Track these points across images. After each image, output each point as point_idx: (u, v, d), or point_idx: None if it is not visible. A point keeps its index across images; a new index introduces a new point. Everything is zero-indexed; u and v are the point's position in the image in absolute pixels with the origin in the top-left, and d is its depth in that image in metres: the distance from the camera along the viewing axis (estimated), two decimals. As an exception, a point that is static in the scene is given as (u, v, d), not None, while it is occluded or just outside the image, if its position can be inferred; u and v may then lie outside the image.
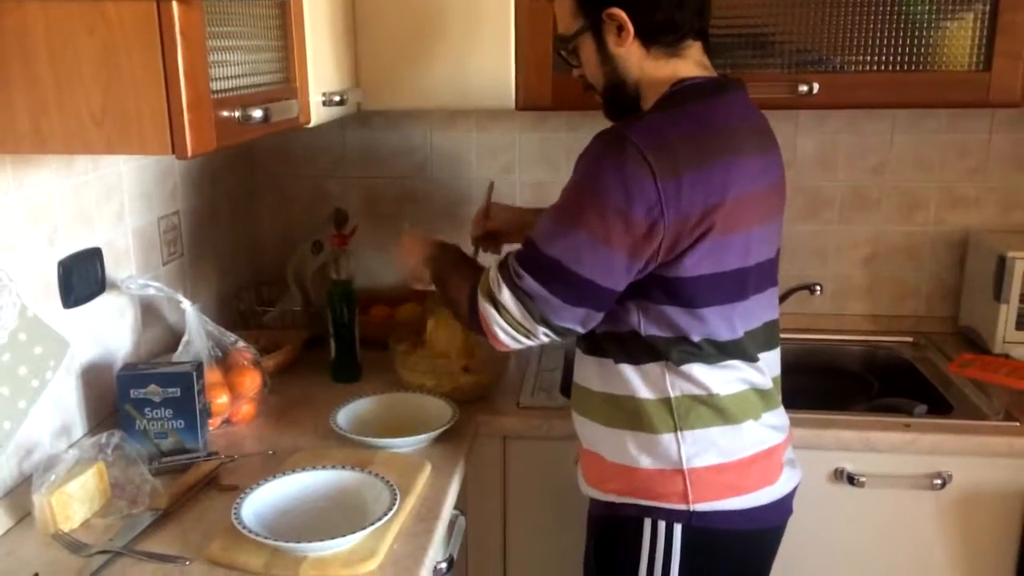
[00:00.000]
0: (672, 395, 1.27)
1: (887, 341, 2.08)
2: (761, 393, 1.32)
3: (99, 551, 1.19)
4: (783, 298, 2.01)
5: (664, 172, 1.16)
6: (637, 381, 1.28)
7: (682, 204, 1.17)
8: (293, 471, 1.34)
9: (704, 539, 1.29)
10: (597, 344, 1.32)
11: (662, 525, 1.29)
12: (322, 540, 1.15)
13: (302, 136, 2.17)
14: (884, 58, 1.72)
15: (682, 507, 1.28)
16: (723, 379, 1.27)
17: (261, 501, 1.26)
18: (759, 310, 1.32)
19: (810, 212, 2.13)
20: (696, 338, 1.25)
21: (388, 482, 1.29)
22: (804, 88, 1.71)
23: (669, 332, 1.25)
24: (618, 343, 1.29)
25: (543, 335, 1.27)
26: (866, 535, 1.67)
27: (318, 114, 1.50)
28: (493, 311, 1.27)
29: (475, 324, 1.32)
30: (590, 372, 1.35)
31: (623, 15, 1.25)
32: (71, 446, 1.39)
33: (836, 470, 1.63)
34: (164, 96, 1.04)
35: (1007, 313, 1.90)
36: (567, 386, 1.81)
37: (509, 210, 1.73)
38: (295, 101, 1.39)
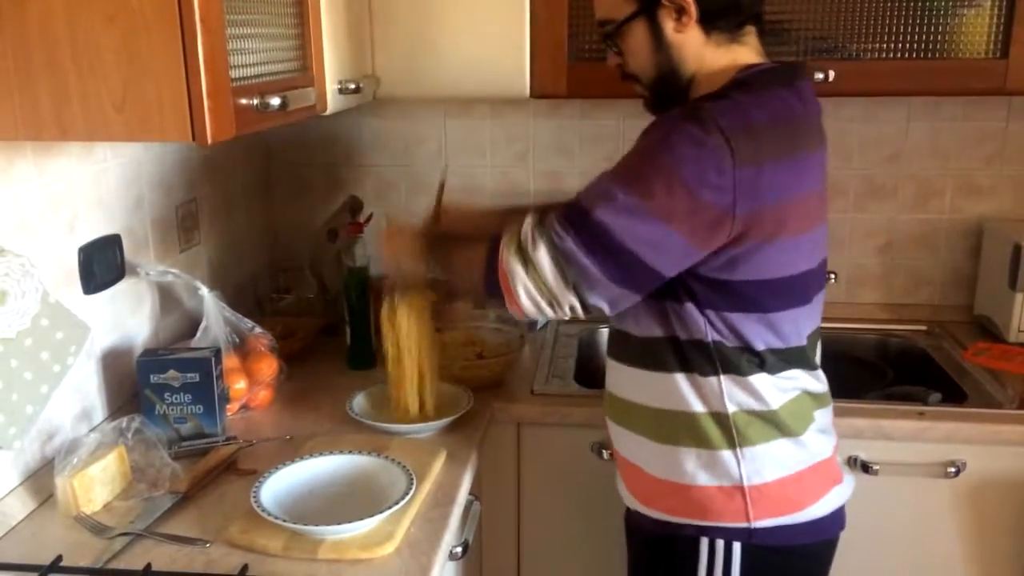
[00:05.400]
0: (729, 410, 1.20)
1: (901, 330, 2.08)
2: (813, 395, 1.27)
3: (120, 533, 1.21)
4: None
5: (745, 158, 1.08)
6: (692, 394, 1.21)
7: (758, 195, 1.09)
8: (310, 456, 1.35)
9: (765, 556, 1.23)
10: (645, 354, 1.24)
11: (720, 544, 1.23)
12: (340, 524, 1.17)
13: (318, 124, 2.18)
14: (900, 45, 1.71)
15: (742, 525, 1.22)
16: (781, 388, 1.22)
17: (279, 485, 1.28)
18: (817, 312, 1.28)
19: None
20: (760, 347, 1.19)
21: (404, 467, 1.31)
22: (820, 75, 1.70)
23: (736, 341, 1.18)
24: (677, 352, 1.21)
25: (568, 308, 1.17)
26: (879, 523, 1.67)
27: (334, 102, 1.51)
28: (520, 269, 1.16)
29: (491, 284, 1.19)
30: (633, 384, 1.27)
31: None
32: (92, 430, 1.41)
33: (850, 458, 1.64)
34: (184, 83, 1.05)
35: (1022, 302, 1.90)
36: (581, 373, 1.82)
37: (463, 212, 1.56)
38: (312, 89, 1.40)
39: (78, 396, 1.43)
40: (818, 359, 1.32)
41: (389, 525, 1.20)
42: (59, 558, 1.13)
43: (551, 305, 1.17)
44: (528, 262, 1.16)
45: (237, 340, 1.62)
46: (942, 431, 1.60)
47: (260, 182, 2.19)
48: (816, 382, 1.28)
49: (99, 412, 1.49)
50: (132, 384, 1.51)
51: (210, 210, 1.88)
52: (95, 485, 1.28)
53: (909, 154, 2.08)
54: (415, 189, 2.23)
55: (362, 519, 1.18)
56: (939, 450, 1.62)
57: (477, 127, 2.18)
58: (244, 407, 1.62)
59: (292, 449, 1.45)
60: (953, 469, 1.61)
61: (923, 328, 2.08)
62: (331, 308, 1.98)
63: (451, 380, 1.66)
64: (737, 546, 1.22)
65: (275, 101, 1.19)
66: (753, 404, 1.21)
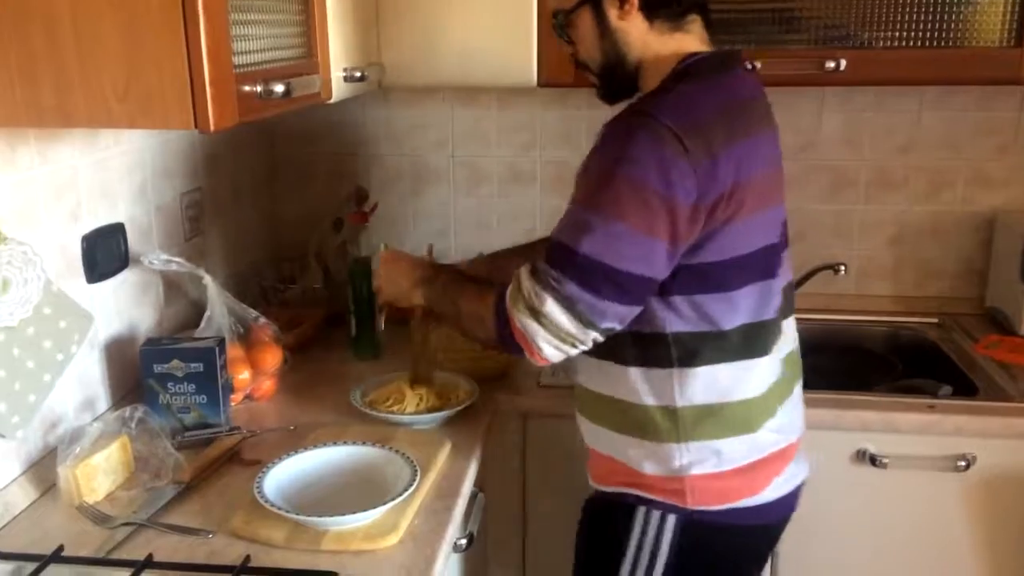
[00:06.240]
0: (679, 405, 1.22)
1: (911, 322, 2.06)
2: (777, 386, 1.28)
3: (123, 523, 1.21)
4: (806, 278, 1.99)
5: (700, 152, 1.11)
6: (644, 388, 1.24)
7: (717, 183, 1.12)
8: (314, 446, 1.34)
9: (699, 531, 1.26)
10: (605, 347, 1.23)
11: (656, 514, 1.26)
12: (343, 514, 1.16)
13: (323, 113, 2.17)
14: (913, 34, 1.69)
15: (680, 505, 1.25)
16: (743, 381, 1.23)
17: (283, 475, 1.27)
18: (782, 282, 1.29)
19: (835, 191, 2.10)
20: (727, 327, 1.20)
21: (408, 458, 1.30)
22: (831, 64, 1.68)
23: (703, 325, 1.20)
24: (635, 345, 1.23)
25: (592, 341, 1.18)
26: (888, 517, 1.66)
27: (339, 90, 1.50)
28: (535, 325, 1.17)
29: (508, 342, 1.21)
30: (594, 374, 1.30)
31: None
32: (95, 419, 1.41)
33: (858, 451, 1.62)
34: (187, 71, 1.03)
35: (1035, 294, 1.88)
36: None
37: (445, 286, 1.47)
38: (316, 76, 1.39)
39: (81, 385, 1.42)
40: (790, 325, 1.32)
41: (393, 516, 1.20)
42: (60, 548, 1.12)
43: (574, 346, 1.19)
44: (541, 317, 1.17)
45: (241, 330, 1.61)
46: (952, 424, 1.59)
47: (265, 171, 2.18)
48: (779, 367, 1.28)
49: (103, 401, 1.48)
50: (135, 374, 1.51)
51: (215, 199, 1.87)
52: (98, 475, 1.27)
53: (921, 144, 2.06)
54: (421, 179, 2.22)
55: (366, 510, 1.17)
56: (949, 443, 1.60)
57: (483, 116, 2.16)
58: (248, 397, 1.61)
59: (296, 439, 1.44)
60: (963, 463, 1.59)
61: (934, 321, 2.06)
62: (336, 298, 1.97)
63: (457, 372, 1.65)
64: (672, 518, 1.26)
65: (279, 88, 1.17)
66: (705, 399, 1.22)
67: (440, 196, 2.22)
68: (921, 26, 1.69)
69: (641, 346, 1.23)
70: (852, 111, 2.05)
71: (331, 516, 1.16)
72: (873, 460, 1.61)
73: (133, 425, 1.37)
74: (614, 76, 1.27)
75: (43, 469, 1.30)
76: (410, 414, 1.51)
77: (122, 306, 1.53)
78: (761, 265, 1.23)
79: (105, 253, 1.46)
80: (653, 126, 1.11)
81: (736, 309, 1.21)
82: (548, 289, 1.15)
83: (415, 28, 1.75)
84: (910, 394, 1.67)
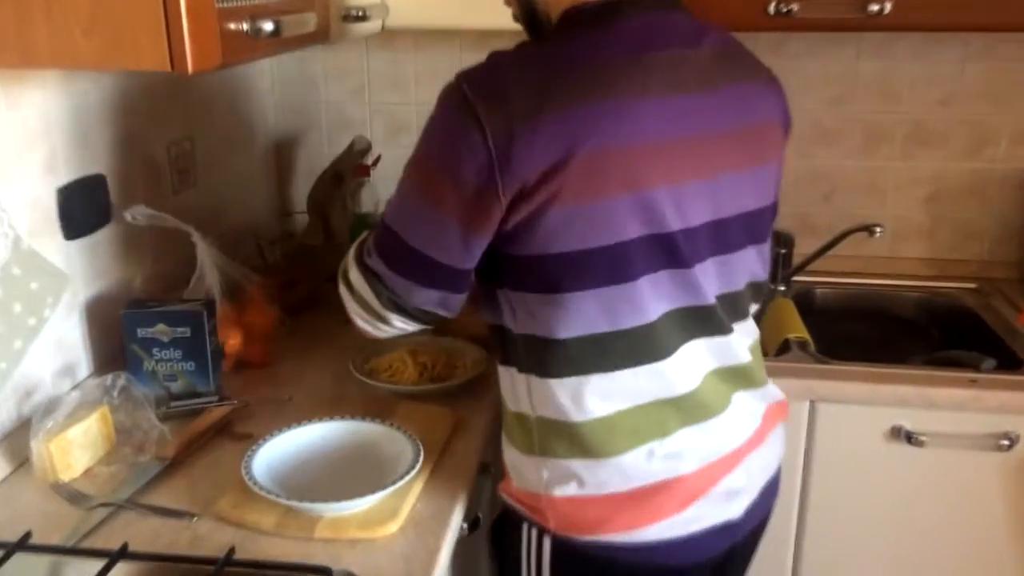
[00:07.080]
0: (532, 414, 1.07)
1: (948, 287, 1.95)
2: (682, 402, 1.05)
3: (100, 504, 1.11)
4: (840, 239, 1.87)
5: (496, 125, 0.94)
6: (506, 388, 1.12)
7: (530, 159, 0.94)
8: (309, 421, 1.24)
9: (572, 560, 1.09)
10: (491, 338, 1.14)
11: (535, 531, 1.11)
12: (339, 500, 1.06)
13: (323, 59, 2.04)
14: (964, -26, 1.55)
15: (547, 527, 1.10)
16: (608, 394, 1.03)
17: (274, 453, 1.17)
18: (672, 292, 1.03)
19: (868, 146, 1.97)
20: (563, 335, 1.01)
21: (411, 437, 1.20)
22: (875, 7, 1.55)
23: (538, 329, 1.03)
24: (500, 341, 1.10)
25: (398, 323, 1.11)
26: (925, 498, 1.57)
27: (338, 30, 1.37)
28: (347, 293, 1.14)
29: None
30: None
31: None
32: (74, 387, 1.31)
33: (893, 428, 1.53)
34: (161, 3, 0.92)
35: (1083, 259, 1.76)
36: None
37: None
38: (312, 14, 1.26)
39: (60, 350, 1.32)
40: (704, 348, 1.07)
41: (393, 501, 1.10)
42: (28, 535, 1.01)
43: (378, 324, 1.13)
44: (350, 285, 1.13)
45: (233, 291, 1.50)
46: (995, 400, 1.49)
47: (262, 120, 2.05)
48: (665, 384, 1.04)
49: (84, 367, 1.38)
50: (120, 338, 1.40)
51: (207, 149, 1.75)
52: (74, 449, 1.18)
53: (963, 97, 1.92)
54: (427, 129, 2.09)
55: (364, 495, 1.07)
56: (991, 421, 1.50)
57: (494, 62, 2.02)
58: (240, 363, 1.51)
59: (291, 412, 1.34)
60: (1006, 442, 1.50)
61: (971, 286, 1.94)
62: (336, 256, 1.86)
63: (466, 338, 1.54)
64: (547, 540, 1.11)
65: (268, 26, 1.05)
66: (551, 413, 1.06)
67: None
68: (972, -34, 1.55)
69: (498, 340, 1.11)
70: (891, 60, 1.91)
71: (326, 501, 1.06)
72: (909, 438, 1.52)
73: (115, 394, 1.27)
74: (533, 23, 1.13)
75: (16, 442, 1.20)
76: (413, 384, 1.41)
77: (104, 265, 1.42)
78: (610, 266, 0.99)
79: (84, 207, 1.35)
80: (454, 93, 0.99)
81: (569, 317, 1.01)
82: (357, 259, 1.12)
83: (421, -36, 1.62)
84: (950, 367, 1.57)
